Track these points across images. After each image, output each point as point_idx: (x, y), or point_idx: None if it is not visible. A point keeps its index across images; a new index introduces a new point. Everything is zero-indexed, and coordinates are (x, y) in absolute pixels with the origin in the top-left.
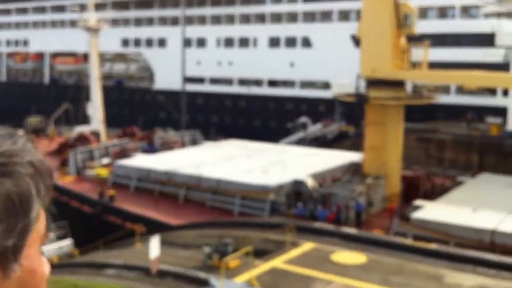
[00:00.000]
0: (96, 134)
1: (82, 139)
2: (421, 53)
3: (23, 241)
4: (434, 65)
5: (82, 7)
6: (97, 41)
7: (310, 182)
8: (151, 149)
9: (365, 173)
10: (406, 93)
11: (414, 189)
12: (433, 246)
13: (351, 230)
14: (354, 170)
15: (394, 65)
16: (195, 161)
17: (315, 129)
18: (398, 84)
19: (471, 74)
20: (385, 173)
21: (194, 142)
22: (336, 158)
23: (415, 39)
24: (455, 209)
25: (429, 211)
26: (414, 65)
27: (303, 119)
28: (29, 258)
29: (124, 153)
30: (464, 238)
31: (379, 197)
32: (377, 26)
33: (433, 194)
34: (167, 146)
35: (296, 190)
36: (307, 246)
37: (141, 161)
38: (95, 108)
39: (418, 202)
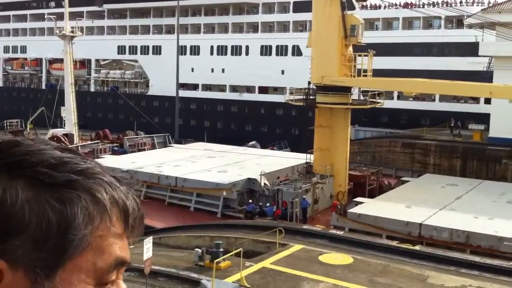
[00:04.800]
0: (69, 136)
1: (55, 141)
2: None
3: (57, 260)
4: (421, 73)
5: (59, 15)
6: (72, 48)
7: (262, 180)
8: (121, 150)
9: (314, 172)
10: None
11: (361, 188)
12: (417, 247)
13: (339, 232)
14: (306, 170)
15: (341, 73)
16: (159, 161)
17: None
18: (344, 90)
19: (411, 81)
20: (332, 173)
21: (164, 145)
22: (292, 159)
23: (361, 49)
24: (391, 205)
25: (366, 206)
26: None
27: (252, 142)
28: (68, 284)
29: (94, 154)
30: (395, 231)
31: (326, 195)
32: (325, 36)
33: (380, 192)
34: (137, 148)
35: (249, 188)
36: (296, 247)
37: (107, 161)
38: (69, 111)
39: (359, 199)
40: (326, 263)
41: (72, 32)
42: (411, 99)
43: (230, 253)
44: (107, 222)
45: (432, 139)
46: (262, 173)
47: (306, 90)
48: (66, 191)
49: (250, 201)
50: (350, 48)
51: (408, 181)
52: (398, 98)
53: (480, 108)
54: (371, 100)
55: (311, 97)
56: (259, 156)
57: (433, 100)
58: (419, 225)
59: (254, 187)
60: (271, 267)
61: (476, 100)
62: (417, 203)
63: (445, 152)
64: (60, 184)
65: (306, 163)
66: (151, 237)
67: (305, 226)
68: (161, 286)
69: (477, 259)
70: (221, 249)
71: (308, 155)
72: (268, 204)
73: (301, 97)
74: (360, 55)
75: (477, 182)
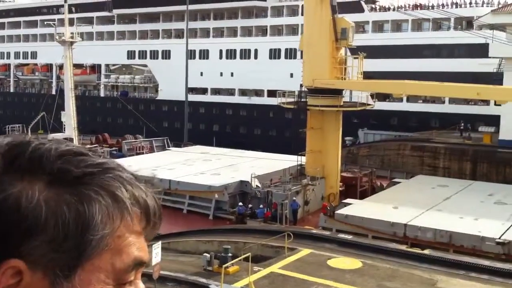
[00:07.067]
0: (68, 141)
1: None
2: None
3: (76, 261)
4: (430, 75)
5: (59, 21)
6: (71, 54)
7: (254, 183)
8: (119, 154)
9: (307, 174)
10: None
11: (353, 189)
12: (427, 251)
13: (347, 237)
14: (300, 172)
15: (332, 75)
16: (155, 165)
17: None
18: (335, 93)
19: (399, 83)
20: (324, 174)
21: (163, 148)
22: (287, 162)
23: (353, 51)
24: (379, 206)
25: (353, 208)
26: None
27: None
28: (87, 284)
29: None
30: (381, 231)
31: (318, 197)
32: (316, 39)
33: (372, 194)
34: (135, 151)
35: (242, 190)
36: (304, 252)
37: None
38: (69, 116)
39: (348, 200)
40: (335, 267)
41: (72, 37)
42: (421, 101)
43: (239, 258)
44: (128, 221)
45: (442, 142)
46: (254, 175)
47: (298, 93)
48: (85, 188)
49: (240, 203)
50: (342, 51)
51: (400, 182)
52: (408, 100)
53: (490, 110)
54: (361, 102)
55: (302, 99)
56: (254, 159)
57: (443, 102)
58: (404, 226)
59: (247, 189)
60: (280, 271)
61: (486, 102)
62: (405, 204)
63: (455, 155)
64: (77, 177)
65: (299, 165)
66: (159, 242)
67: (314, 231)
68: None
69: (487, 263)
70: (230, 254)
71: (300, 157)
72: (260, 206)
73: (293, 99)
74: (355, 57)
75: (468, 183)
